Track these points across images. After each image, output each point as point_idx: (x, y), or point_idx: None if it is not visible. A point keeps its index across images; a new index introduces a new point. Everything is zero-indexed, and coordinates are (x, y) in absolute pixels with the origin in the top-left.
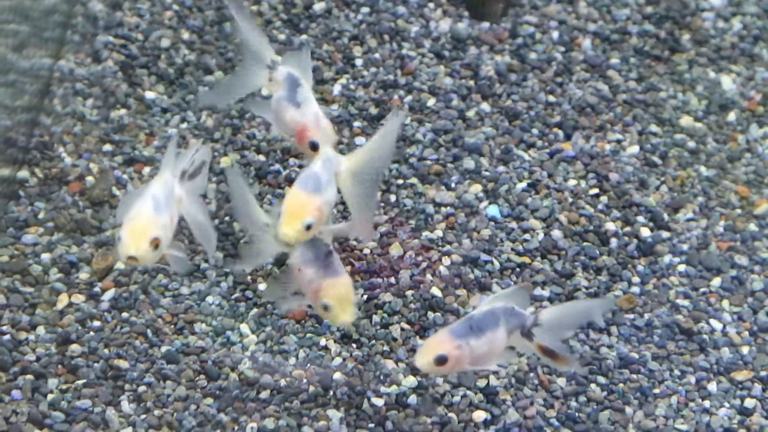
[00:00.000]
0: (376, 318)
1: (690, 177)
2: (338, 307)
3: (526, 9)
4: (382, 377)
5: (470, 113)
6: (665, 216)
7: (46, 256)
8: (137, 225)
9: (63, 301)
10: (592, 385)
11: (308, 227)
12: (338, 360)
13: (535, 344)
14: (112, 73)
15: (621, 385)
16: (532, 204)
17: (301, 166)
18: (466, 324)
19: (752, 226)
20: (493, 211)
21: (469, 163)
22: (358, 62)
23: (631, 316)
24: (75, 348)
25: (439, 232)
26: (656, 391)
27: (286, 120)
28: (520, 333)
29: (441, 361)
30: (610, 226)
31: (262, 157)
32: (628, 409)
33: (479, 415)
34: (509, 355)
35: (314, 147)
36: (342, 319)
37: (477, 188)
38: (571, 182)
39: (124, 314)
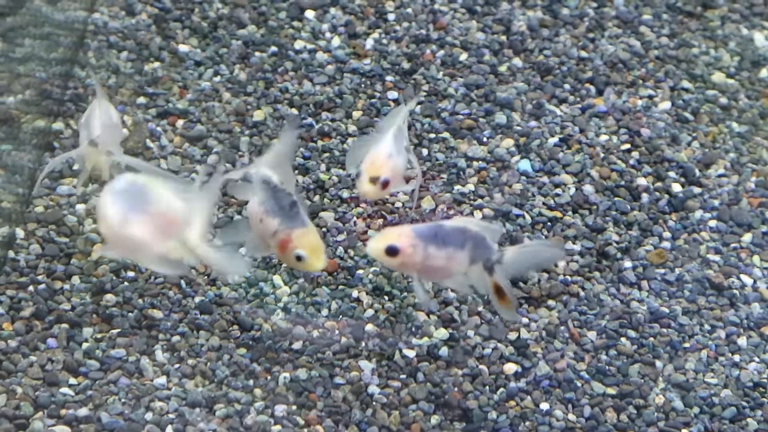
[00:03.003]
0: None
1: (721, 133)
2: (312, 256)
3: None
4: (413, 329)
5: (502, 68)
6: (696, 171)
7: (80, 207)
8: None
9: (98, 251)
10: (623, 339)
11: (385, 184)
12: (370, 312)
13: (492, 280)
14: (145, 26)
15: (651, 339)
16: (564, 159)
17: (333, 120)
18: (432, 229)
19: None
20: (524, 165)
21: (501, 117)
22: (390, 17)
23: (662, 270)
24: (109, 298)
25: (470, 186)
26: (686, 345)
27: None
28: (483, 265)
29: (391, 252)
30: (642, 181)
31: (294, 111)
32: (658, 363)
33: (510, 368)
34: (466, 287)
35: (300, 258)
36: (316, 266)
37: (509, 143)
38: (603, 137)
39: None
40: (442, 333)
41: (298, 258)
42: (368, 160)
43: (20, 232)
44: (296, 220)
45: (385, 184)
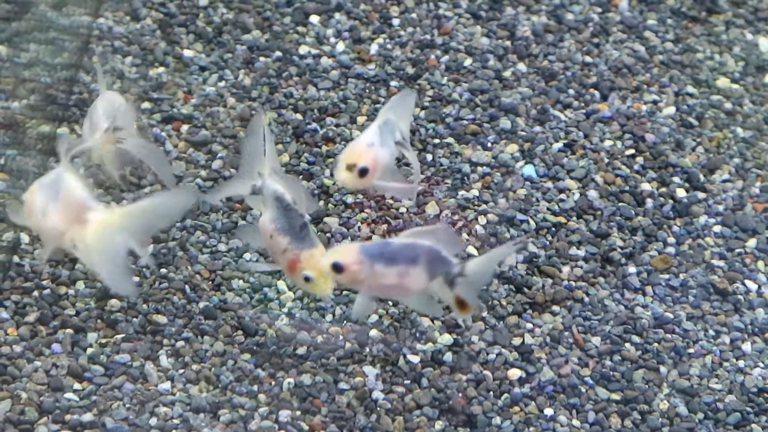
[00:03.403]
0: None
1: (726, 138)
2: (320, 279)
3: None
4: (417, 334)
5: (507, 73)
6: (701, 177)
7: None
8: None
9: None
10: (627, 345)
11: (363, 173)
12: (374, 317)
13: (455, 294)
14: (150, 31)
15: (656, 344)
16: (568, 164)
17: (337, 125)
18: (380, 247)
19: None
20: (529, 170)
21: (505, 123)
22: (395, 22)
23: (667, 276)
24: (114, 303)
25: (475, 192)
26: (691, 350)
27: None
28: (444, 279)
29: (337, 268)
30: (646, 186)
31: (299, 116)
32: (663, 369)
33: (514, 373)
34: (436, 307)
35: (308, 279)
36: (322, 291)
37: (513, 148)
38: (607, 143)
39: (163, 270)
40: (447, 338)
41: (306, 279)
42: (347, 148)
43: (25, 237)
44: (306, 240)
45: (363, 173)
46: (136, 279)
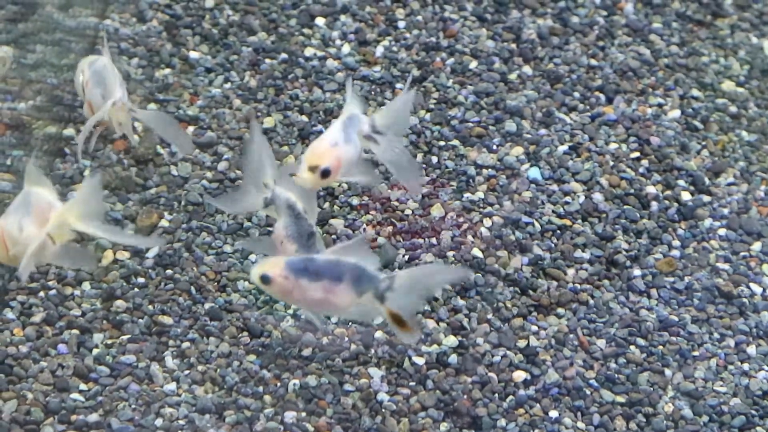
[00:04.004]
0: None
1: (731, 141)
2: None
3: None
4: (423, 336)
5: (512, 76)
6: (706, 180)
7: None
8: None
9: (108, 257)
10: (632, 347)
11: (325, 174)
12: (380, 319)
13: (386, 308)
14: (156, 33)
15: (660, 347)
16: (574, 167)
17: None
18: (304, 262)
19: None
20: (534, 173)
21: (510, 125)
22: (401, 24)
23: (671, 279)
24: (120, 304)
25: (480, 194)
26: (695, 353)
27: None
28: (373, 294)
29: (265, 280)
30: (651, 189)
31: (304, 118)
32: (668, 371)
33: (519, 375)
34: (368, 314)
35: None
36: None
37: (518, 151)
38: (612, 146)
39: (168, 271)
40: (452, 340)
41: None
42: (310, 148)
43: None
44: (311, 249)
45: (325, 174)
46: (141, 280)
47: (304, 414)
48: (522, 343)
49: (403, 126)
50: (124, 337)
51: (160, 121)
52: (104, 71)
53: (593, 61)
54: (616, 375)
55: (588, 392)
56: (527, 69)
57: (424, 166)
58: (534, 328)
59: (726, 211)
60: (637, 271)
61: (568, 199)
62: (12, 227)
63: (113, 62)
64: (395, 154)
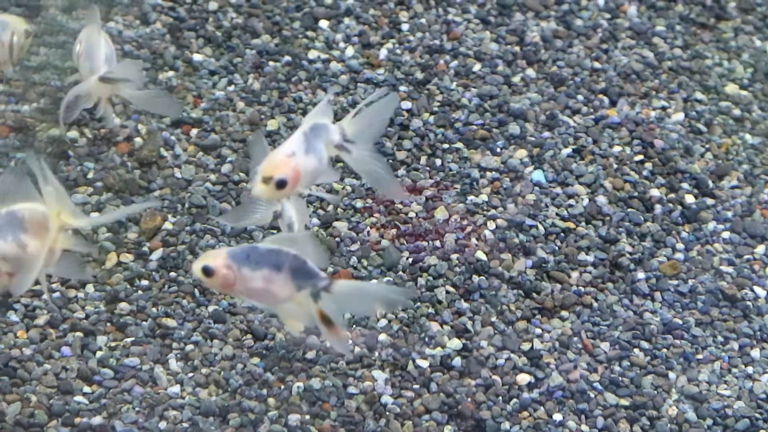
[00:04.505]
0: (421, 281)
1: (735, 144)
2: None
3: None
4: (426, 339)
5: (516, 79)
6: (710, 183)
7: (95, 215)
8: None
9: (112, 259)
10: (636, 350)
11: (280, 185)
12: (383, 321)
13: (318, 308)
14: (160, 36)
15: (664, 350)
16: (577, 170)
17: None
18: (246, 252)
19: None
20: (537, 176)
21: (514, 128)
22: (404, 27)
23: (675, 282)
24: (123, 306)
25: (484, 197)
26: (699, 356)
27: None
28: (310, 292)
29: (207, 272)
30: (655, 192)
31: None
32: (671, 374)
33: (523, 378)
34: (303, 316)
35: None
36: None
37: (522, 153)
38: (616, 148)
39: (172, 274)
40: (456, 343)
41: None
42: (267, 158)
43: None
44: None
45: (281, 185)
46: (145, 282)
47: (308, 417)
48: (526, 346)
49: (377, 133)
50: (128, 340)
51: (145, 99)
52: (95, 45)
53: (597, 64)
54: (620, 378)
55: (592, 395)
56: (531, 72)
57: (428, 169)
58: (538, 331)
59: (730, 214)
60: (641, 274)
61: (571, 201)
62: (10, 249)
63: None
64: (368, 163)
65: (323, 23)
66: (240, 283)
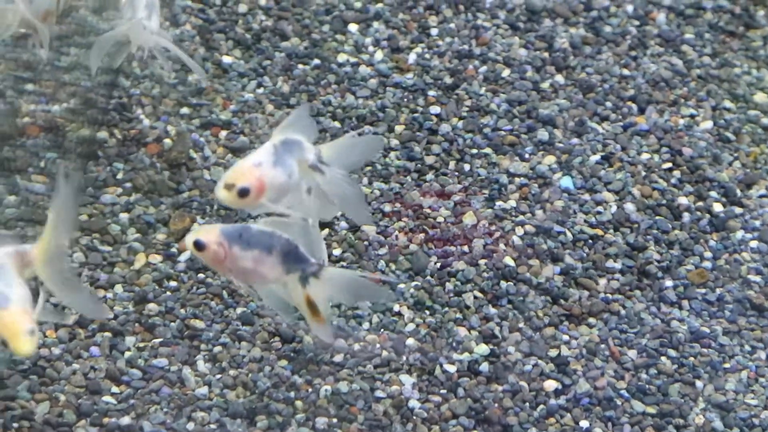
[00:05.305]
0: (449, 285)
1: (763, 153)
2: None
3: None
4: (454, 344)
5: (544, 85)
6: (738, 192)
7: (124, 216)
8: None
9: (140, 260)
10: (663, 358)
11: (243, 193)
12: (411, 326)
13: (305, 293)
14: (190, 37)
15: (692, 358)
16: (606, 176)
17: (375, 134)
18: (238, 230)
19: None
20: (566, 182)
21: (543, 134)
22: (434, 32)
23: (703, 290)
24: (152, 307)
25: (512, 202)
26: (727, 365)
27: None
28: (299, 277)
29: (198, 246)
30: (683, 200)
31: (337, 124)
32: (699, 383)
33: (550, 385)
34: (286, 306)
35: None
36: None
37: (551, 159)
38: (645, 156)
39: (200, 275)
40: (483, 348)
41: None
42: (232, 167)
43: None
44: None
45: (243, 194)
46: (174, 283)
47: (335, 420)
48: (553, 353)
49: (354, 164)
50: (156, 341)
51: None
52: None
53: (625, 71)
54: (647, 386)
55: (619, 403)
56: (559, 78)
57: (457, 174)
58: (565, 337)
59: (758, 223)
60: (668, 282)
61: (600, 208)
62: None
63: None
64: (340, 186)
65: (352, 27)
66: (230, 261)
